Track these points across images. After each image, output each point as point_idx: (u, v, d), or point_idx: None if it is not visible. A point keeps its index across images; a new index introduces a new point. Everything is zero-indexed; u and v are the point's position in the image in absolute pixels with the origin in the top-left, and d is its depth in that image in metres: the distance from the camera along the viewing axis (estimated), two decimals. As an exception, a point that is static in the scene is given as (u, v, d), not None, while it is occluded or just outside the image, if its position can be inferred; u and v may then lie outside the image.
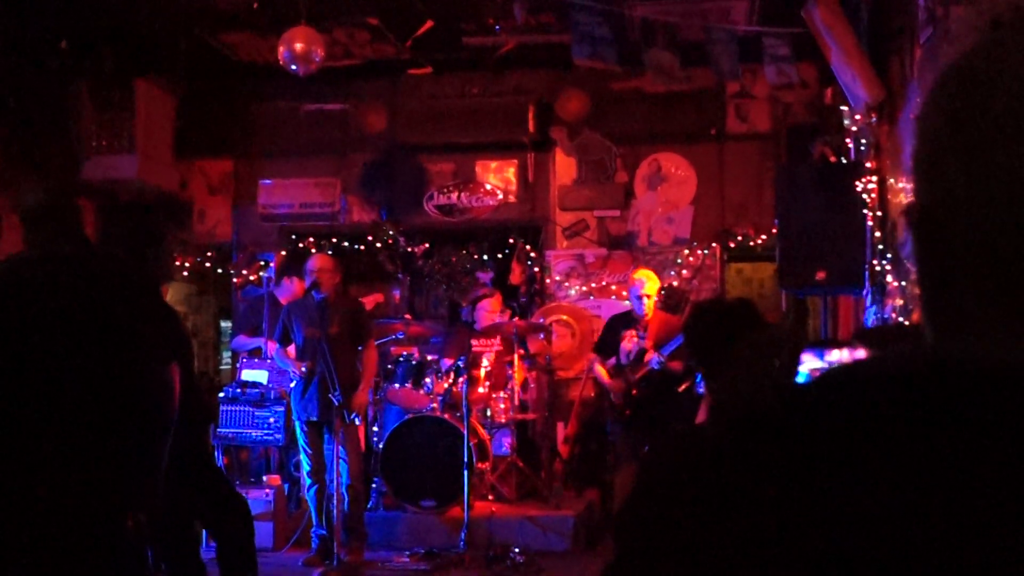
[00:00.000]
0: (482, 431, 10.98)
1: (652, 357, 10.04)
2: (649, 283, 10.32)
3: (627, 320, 10.48)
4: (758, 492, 0.96)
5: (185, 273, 14.02)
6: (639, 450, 9.87)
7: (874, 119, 9.38)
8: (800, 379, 1.42)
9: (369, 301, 11.79)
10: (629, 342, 10.26)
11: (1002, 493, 0.90)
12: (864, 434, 0.94)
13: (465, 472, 10.11)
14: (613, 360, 10.48)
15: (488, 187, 13.68)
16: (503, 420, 11.17)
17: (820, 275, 9.07)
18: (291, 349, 10.10)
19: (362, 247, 13.84)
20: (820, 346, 1.43)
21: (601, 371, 10.42)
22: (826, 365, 1.43)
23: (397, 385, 11.07)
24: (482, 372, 11.05)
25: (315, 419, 9.80)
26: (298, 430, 10.00)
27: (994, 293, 1.04)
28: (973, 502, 0.90)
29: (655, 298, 10.41)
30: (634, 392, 10.16)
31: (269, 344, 10.90)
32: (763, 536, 0.94)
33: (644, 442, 9.89)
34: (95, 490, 3.86)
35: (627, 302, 11.96)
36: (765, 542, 0.94)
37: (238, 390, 10.62)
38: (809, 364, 1.45)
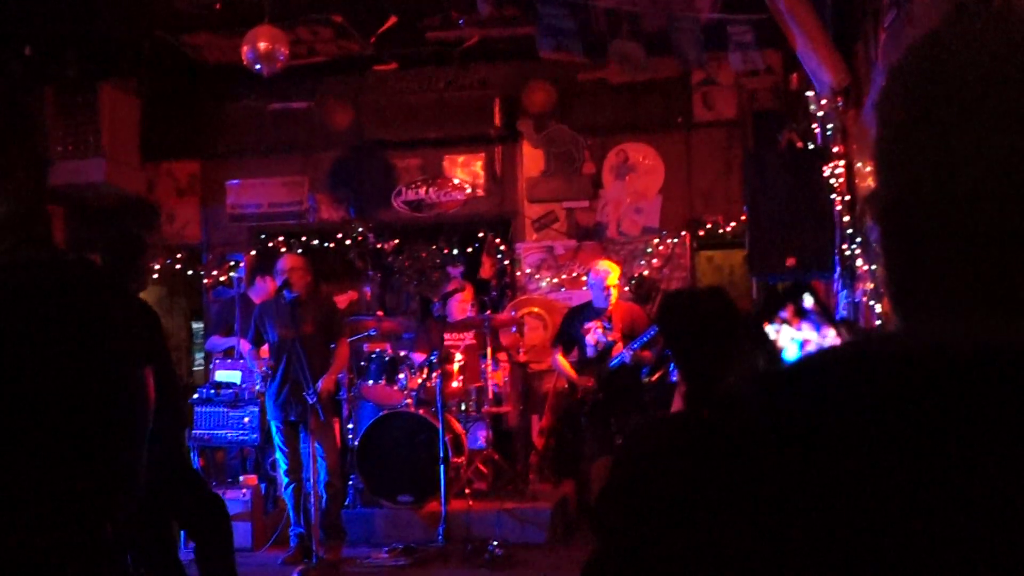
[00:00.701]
0: (457, 425, 10.98)
1: (623, 352, 10.04)
2: (613, 273, 10.35)
3: (587, 312, 10.47)
4: (737, 478, 0.96)
5: (155, 276, 13.96)
6: (612, 441, 9.88)
7: (840, 104, 9.40)
8: (781, 362, 1.43)
9: (343, 300, 11.79)
10: (594, 335, 10.25)
11: (973, 469, 0.90)
12: (840, 418, 0.94)
13: (441, 467, 10.12)
14: (575, 353, 10.48)
15: (456, 181, 13.66)
16: (477, 414, 11.18)
17: (790, 261, 9.09)
18: (265, 349, 10.10)
19: (332, 245, 13.80)
20: (819, 317, 1.44)
21: (564, 364, 10.43)
22: (821, 341, 1.44)
23: (371, 381, 11.04)
24: (455, 367, 11.03)
25: (293, 419, 9.81)
26: (273, 429, 9.99)
27: (962, 278, 1.04)
28: (943, 479, 0.90)
29: (618, 288, 10.43)
30: (600, 396, 10.18)
31: (242, 343, 10.88)
32: (743, 521, 0.95)
33: (617, 433, 9.90)
34: (73, 497, 3.85)
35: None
36: (745, 527, 0.95)
37: (212, 391, 10.62)
38: (806, 335, 1.45)
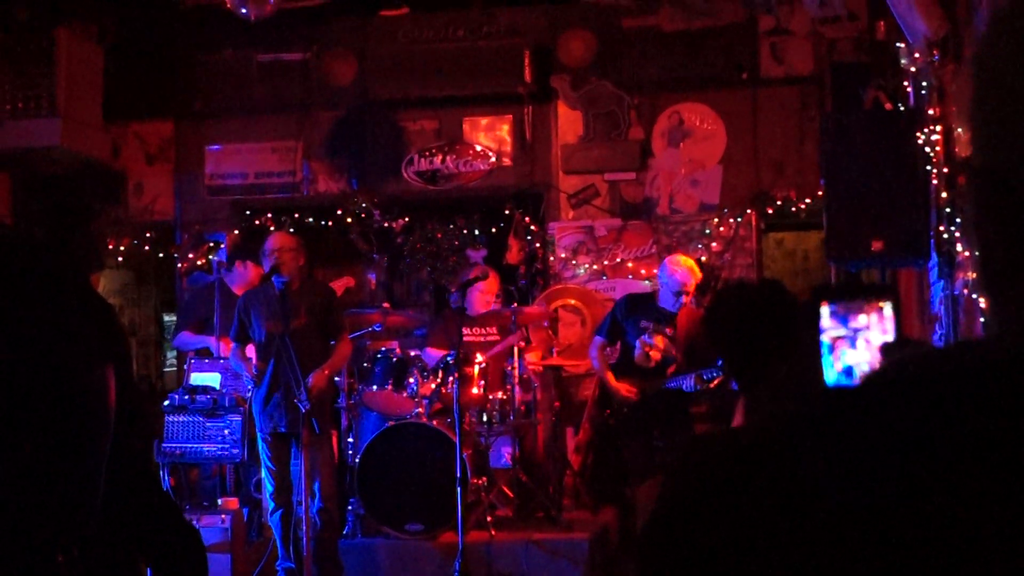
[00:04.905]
0: (477, 440, 10.97)
1: (685, 378, 9.88)
2: (695, 278, 10.13)
3: (649, 307, 10.34)
4: (807, 506, 0.95)
5: (120, 259, 13.99)
6: (661, 458, 9.83)
7: (936, 57, 9.36)
8: (838, 377, 1.43)
9: (338, 286, 11.76)
10: (652, 341, 10.10)
11: None
12: (925, 444, 0.93)
13: (458, 489, 10.08)
14: (616, 351, 10.40)
15: (478, 148, 13.67)
16: (502, 426, 11.15)
17: (876, 244, 9.05)
18: (250, 349, 10.08)
19: (330, 223, 13.82)
20: (840, 298, 1.44)
21: (604, 365, 10.34)
22: (851, 333, 1.44)
23: (375, 387, 11.02)
24: (476, 369, 11.00)
25: (284, 431, 9.78)
26: (260, 444, 9.97)
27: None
28: None
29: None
30: (626, 411, 10.09)
31: (221, 344, 10.87)
32: (815, 557, 0.93)
33: (664, 449, 9.84)
34: (17, 521, 3.85)
35: (645, 282, 11.99)
36: (817, 563, 0.93)
37: (186, 397, 10.57)
38: (832, 332, 1.45)
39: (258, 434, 9.98)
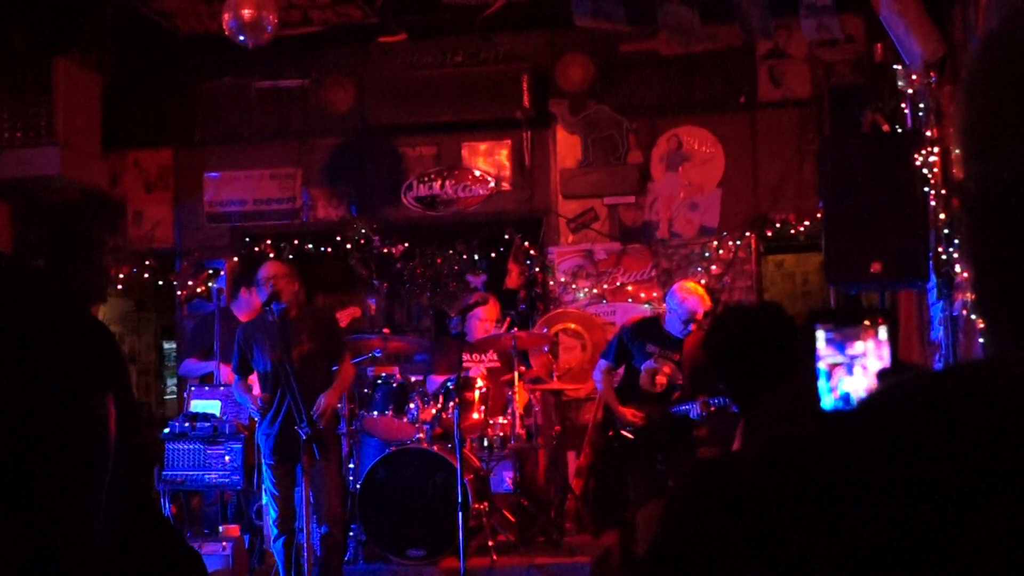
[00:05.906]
0: (478, 464, 10.95)
1: (692, 405, 9.90)
2: (704, 306, 10.14)
3: (655, 332, 10.35)
4: (806, 530, 0.95)
5: (120, 287, 13.97)
6: (662, 482, 9.83)
7: (933, 79, 9.36)
8: (835, 404, 1.43)
9: (344, 316, 11.76)
10: (658, 367, 10.11)
11: None
12: (920, 468, 0.93)
13: (459, 514, 10.06)
14: (619, 375, 10.40)
15: (477, 173, 13.66)
16: (503, 451, 11.13)
17: (875, 266, 9.03)
18: (253, 379, 10.03)
19: (329, 249, 13.81)
20: (836, 322, 1.44)
21: (609, 389, 10.34)
22: (848, 360, 1.44)
23: (376, 413, 11.00)
24: (476, 394, 10.97)
25: (290, 456, 9.75)
26: (265, 470, 9.93)
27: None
28: None
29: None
30: (630, 437, 10.09)
31: (223, 369, 10.85)
32: None
33: (667, 472, 9.84)
34: (13, 555, 3.84)
35: (645, 306, 11.99)
36: None
37: (187, 424, 10.56)
38: (829, 359, 1.45)
39: (263, 460, 9.94)
